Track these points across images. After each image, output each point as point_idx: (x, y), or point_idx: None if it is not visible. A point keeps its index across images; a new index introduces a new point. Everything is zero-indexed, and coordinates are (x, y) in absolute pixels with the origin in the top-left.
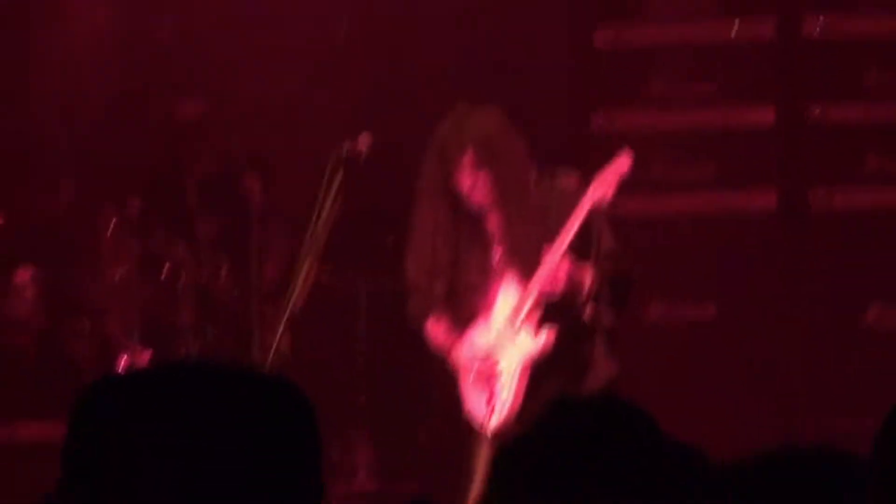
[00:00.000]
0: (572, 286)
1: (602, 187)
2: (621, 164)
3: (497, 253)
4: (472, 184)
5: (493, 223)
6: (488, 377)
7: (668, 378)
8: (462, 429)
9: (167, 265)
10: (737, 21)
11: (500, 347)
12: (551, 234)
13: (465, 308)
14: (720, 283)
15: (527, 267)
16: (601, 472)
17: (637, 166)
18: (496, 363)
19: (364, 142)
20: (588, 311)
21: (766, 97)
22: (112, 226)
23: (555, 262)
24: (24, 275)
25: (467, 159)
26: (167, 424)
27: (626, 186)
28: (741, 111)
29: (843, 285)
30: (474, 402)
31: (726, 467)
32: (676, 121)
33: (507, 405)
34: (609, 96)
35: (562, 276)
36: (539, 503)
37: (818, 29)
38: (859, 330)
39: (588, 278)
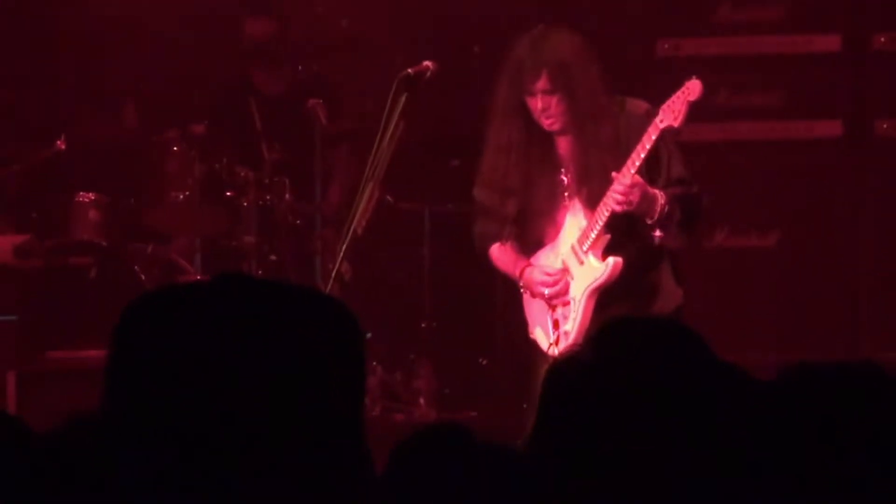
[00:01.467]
0: (643, 207)
1: (672, 113)
2: (691, 89)
3: (566, 178)
4: (545, 107)
5: (563, 147)
6: (555, 302)
7: (732, 304)
8: (530, 355)
9: (231, 188)
10: None
11: (567, 273)
12: (621, 160)
13: (533, 232)
14: (784, 211)
15: (595, 193)
16: (649, 390)
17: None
18: (563, 288)
19: (428, 65)
20: (658, 235)
21: (831, 25)
22: (175, 149)
23: (626, 183)
24: (85, 197)
25: (541, 83)
26: (208, 337)
27: (691, 113)
28: (807, 38)
29: None
30: (540, 327)
31: (770, 386)
32: (742, 47)
33: (574, 331)
34: (675, 22)
35: (634, 196)
36: (588, 420)
37: None
38: None
39: (660, 200)
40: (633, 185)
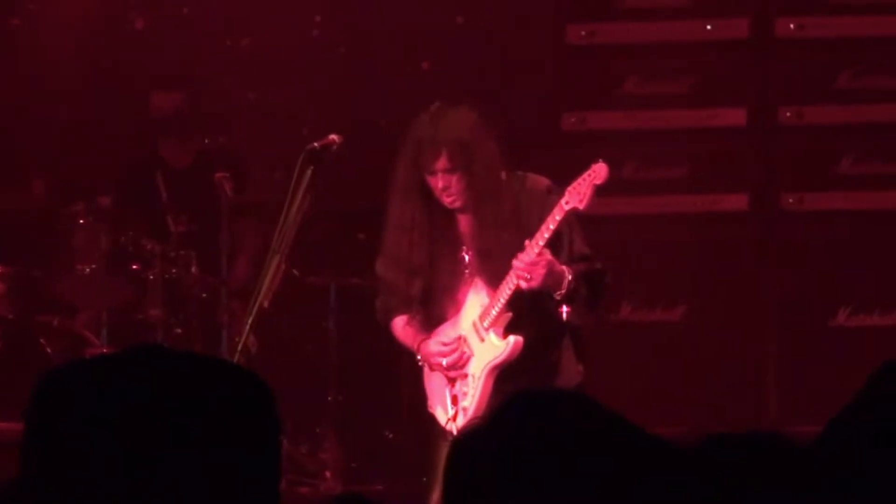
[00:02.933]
0: (549, 283)
1: (577, 195)
2: (598, 173)
3: (467, 255)
4: (446, 185)
5: (464, 225)
6: (453, 375)
7: (638, 379)
8: (428, 430)
9: (137, 261)
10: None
11: (465, 342)
12: (521, 237)
13: (437, 310)
14: (690, 284)
15: (496, 270)
16: (558, 465)
17: (609, 166)
18: (460, 359)
19: (334, 139)
20: (565, 311)
21: (737, 98)
22: (82, 222)
23: (527, 261)
24: None
25: (441, 162)
26: (122, 410)
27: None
28: (712, 112)
29: (814, 287)
30: (439, 403)
31: (686, 455)
32: (648, 121)
33: (473, 407)
34: (581, 96)
35: (538, 273)
36: (494, 497)
37: (792, 27)
38: (830, 331)
39: (567, 276)
40: (536, 262)
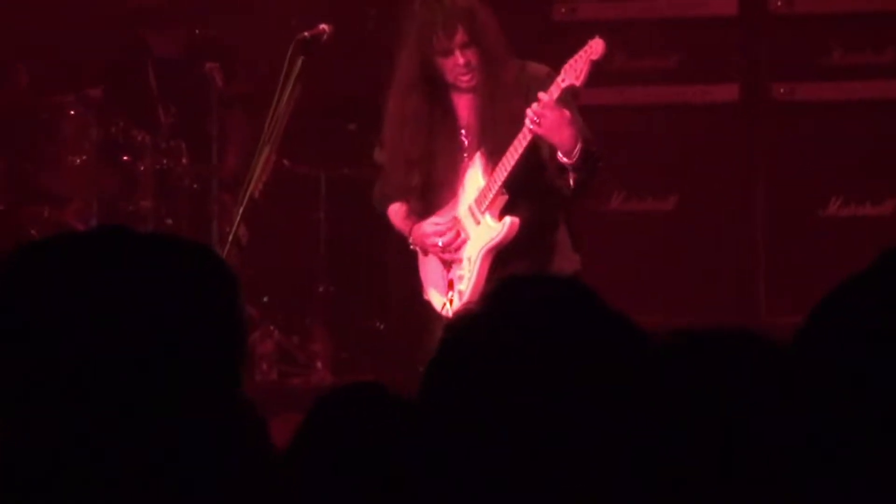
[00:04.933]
0: (561, 137)
1: (573, 72)
2: (594, 48)
3: (466, 138)
4: (467, 61)
5: (464, 107)
6: (450, 263)
7: (629, 269)
8: (424, 317)
9: (127, 152)
10: None
11: (459, 223)
12: (522, 120)
13: (436, 203)
14: (682, 175)
15: (495, 153)
16: (545, 346)
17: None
18: (455, 238)
19: (324, 28)
20: (572, 178)
21: None
22: (72, 113)
23: (543, 104)
24: None
25: (459, 36)
26: (87, 287)
27: (590, 76)
28: (703, 0)
29: (804, 177)
30: (435, 287)
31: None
32: (638, 10)
33: (469, 290)
34: None
35: (554, 115)
36: (484, 376)
37: None
38: (820, 220)
39: (579, 141)
40: (553, 107)
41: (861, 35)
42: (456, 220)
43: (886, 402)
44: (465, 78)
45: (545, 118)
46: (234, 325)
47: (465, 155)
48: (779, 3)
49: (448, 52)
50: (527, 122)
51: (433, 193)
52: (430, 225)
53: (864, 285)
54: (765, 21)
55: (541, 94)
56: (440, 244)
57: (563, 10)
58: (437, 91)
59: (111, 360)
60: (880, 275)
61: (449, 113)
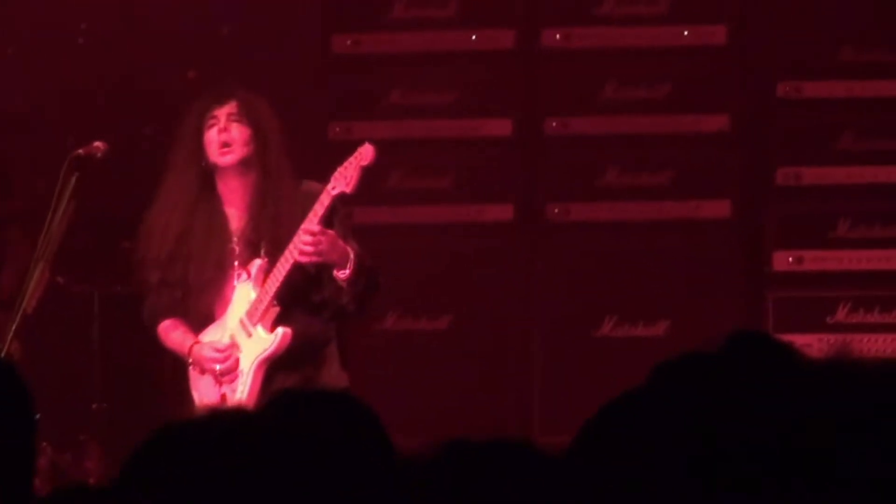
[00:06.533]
0: (334, 258)
1: (343, 179)
2: (364, 154)
3: (237, 247)
4: (229, 137)
5: (236, 220)
6: (223, 375)
7: (399, 388)
8: None
9: None
10: (474, 35)
11: (237, 348)
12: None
13: (201, 305)
14: (455, 295)
15: (266, 264)
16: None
17: (375, 175)
18: (233, 364)
19: (98, 146)
20: (347, 293)
21: (504, 109)
22: None
23: (314, 230)
24: None
25: (229, 108)
26: None
27: (361, 195)
28: (478, 123)
29: (578, 297)
30: (209, 401)
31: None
32: (418, 129)
33: (243, 403)
34: (347, 106)
35: (324, 244)
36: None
37: (558, 37)
38: (594, 340)
39: (351, 254)
40: (322, 233)
41: (636, 155)
42: (234, 346)
43: None
44: (222, 150)
45: (311, 245)
46: (26, 436)
47: (237, 263)
48: (553, 125)
49: (212, 119)
50: (295, 252)
51: (200, 295)
52: (209, 350)
53: (638, 398)
54: (540, 141)
55: (308, 219)
56: (218, 370)
57: (338, 129)
58: (206, 202)
59: None
60: (653, 388)
61: (220, 217)
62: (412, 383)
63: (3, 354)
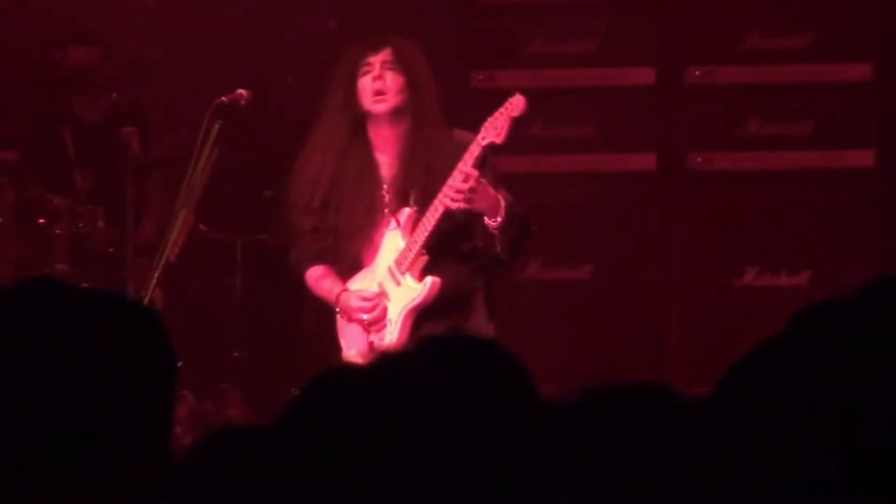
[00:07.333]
0: (484, 206)
1: (494, 130)
2: (515, 105)
3: (387, 195)
4: (383, 85)
5: (386, 168)
6: (371, 324)
7: (543, 337)
8: None
9: (43, 215)
10: None
11: (385, 296)
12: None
13: (350, 252)
14: (597, 244)
15: (416, 211)
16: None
17: (516, 124)
18: (381, 313)
19: (242, 94)
20: (499, 241)
21: (646, 57)
22: None
23: (464, 178)
24: None
25: (383, 55)
26: (15, 340)
27: (506, 144)
28: (621, 71)
29: (720, 247)
30: (356, 349)
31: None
32: (556, 80)
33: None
34: (488, 55)
35: (475, 189)
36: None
37: None
38: (735, 290)
39: (503, 203)
40: (475, 179)
41: (778, 106)
42: (382, 295)
43: (799, 463)
44: (376, 99)
45: (463, 193)
46: (165, 377)
47: (386, 210)
48: (697, 73)
49: (366, 66)
50: (446, 200)
51: (347, 241)
52: (356, 299)
53: (779, 345)
54: (682, 91)
55: (458, 168)
56: (365, 319)
57: (481, 77)
58: (361, 136)
59: (42, 413)
60: (794, 335)
61: (370, 164)
62: (553, 332)
63: (145, 302)
